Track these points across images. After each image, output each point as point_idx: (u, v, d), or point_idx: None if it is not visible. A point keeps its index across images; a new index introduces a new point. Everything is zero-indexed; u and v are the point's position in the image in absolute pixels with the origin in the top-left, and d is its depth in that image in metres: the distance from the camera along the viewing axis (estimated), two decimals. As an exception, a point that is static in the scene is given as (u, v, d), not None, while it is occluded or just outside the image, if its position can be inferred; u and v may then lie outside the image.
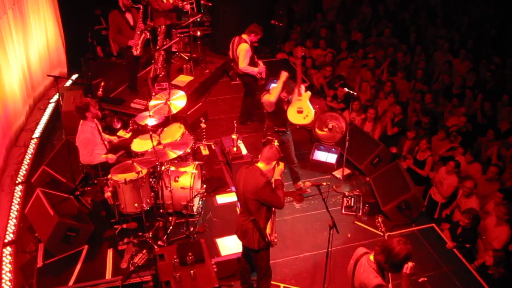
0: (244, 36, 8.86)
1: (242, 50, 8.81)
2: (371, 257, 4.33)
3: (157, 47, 10.06)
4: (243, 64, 8.86)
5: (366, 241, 7.18)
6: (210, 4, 11.71)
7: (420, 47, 11.91)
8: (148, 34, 9.47)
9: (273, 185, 5.57)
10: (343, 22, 13.40)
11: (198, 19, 10.78)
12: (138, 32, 9.22)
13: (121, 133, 7.83)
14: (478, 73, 10.82)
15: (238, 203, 6.27)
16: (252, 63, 8.99)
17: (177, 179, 6.94)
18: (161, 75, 9.94)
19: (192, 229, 6.96)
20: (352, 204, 7.83)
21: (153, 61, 10.05)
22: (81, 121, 6.94)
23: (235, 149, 8.00)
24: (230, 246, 6.74)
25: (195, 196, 7.06)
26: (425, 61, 11.39)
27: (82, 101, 6.98)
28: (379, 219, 5.63)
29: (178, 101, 7.43)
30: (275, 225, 5.80)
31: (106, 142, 7.22)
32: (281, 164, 5.70)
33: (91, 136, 6.91)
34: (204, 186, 7.49)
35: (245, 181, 5.49)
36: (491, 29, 12.47)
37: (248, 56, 8.84)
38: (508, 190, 7.29)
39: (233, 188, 7.91)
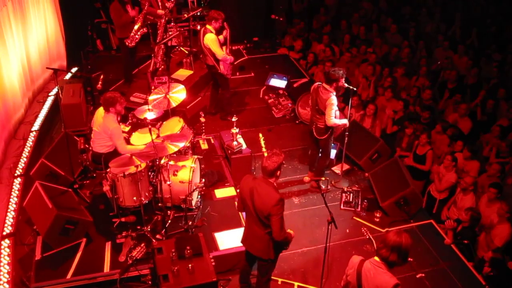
0: (208, 26, 8.79)
1: (211, 41, 8.71)
2: (377, 258, 4.32)
3: (157, 40, 10.04)
4: (221, 54, 8.77)
5: (365, 237, 7.19)
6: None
7: (422, 43, 11.89)
8: (146, 29, 9.50)
9: None
10: (345, 18, 13.38)
11: (198, 13, 10.77)
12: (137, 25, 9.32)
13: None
14: (480, 70, 10.83)
15: (244, 213, 5.93)
16: None
17: (176, 173, 6.93)
18: (160, 69, 9.93)
19: (190, 223, 6.95)
20: (350, 200, 7.83)
21: (152, 55, 10.03)
22: (104, 112, 6.94)
23: (235, 143, 7.98)
24: (228, 240, 6.74)
25: (193, 190, 7.05)
26: (426, 57, 11.38)
27: (111, 94, 6.94)
28: (365, 229, 5.54)
29: (178, 94, 7.41)
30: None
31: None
32: None
33: (118, 125, 6.93)
34: (203, 180, 7.48)
35: (256, 196, 5.27)
36: (492, 26, 12.46)
37: (219, 44, 8.78)
38: (499, 185, 7.29)
39: (232, 183, 7.92)
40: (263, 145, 6.42)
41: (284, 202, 5.23)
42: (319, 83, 7.50)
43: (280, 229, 5.24)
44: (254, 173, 8.14)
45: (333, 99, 7.26)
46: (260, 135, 6.49)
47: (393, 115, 9.46)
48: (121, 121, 7.40)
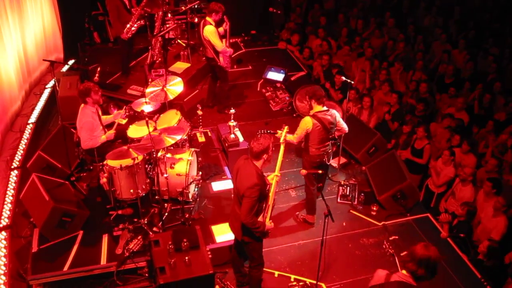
0: (208, 18, 8.75)
1: (210, 34, 8.67)
2: (404, 272, 4.15)
3: (154, 33, 10.02)
4: (221, 46, 8.75)
5: (361, 230, 7.22)
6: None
7: (421, 37, 11.86)
8: (143, 22, 9.47)
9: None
10: (343, 11, 13.32)
11: (196, 6, 10.74)
12: (134, 18, 9.29)
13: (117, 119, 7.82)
14: (476, 64, 10.81)
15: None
16: None
17: (173, 165, 6.93)
18: (158, 62, 9.91)
19: (187, 215, 6.95)
20: (347, 193, 7.85)
21: (150, 48, 10.01)
22: (82, 105, 6.91)
23: (232, 136, 7.97)
24: (225, 233, 6.74)
25: (190, 183, 7.05)
26: (424, 51, 11.34)
27: (84, 85, 6.93)
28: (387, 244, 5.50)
29: (175, 87, 7.40)
30: (267, 216, 5.55)
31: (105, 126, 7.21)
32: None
33: (92, 119, 6.89)
34: (200, 173, 7.48)
35: (239, 175, 5.39)
36: (495, 23, 12.41)
37: (218, 36, 8.76)
38: (497, 179, 7.30)
39: (229, 175, 7.93)
40: (282, 136, 6.25)
41: (261, 188, 5.22)
42: (324, 109, 6.83)
43: (248, 212, 5.21)
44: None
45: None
46: (286, 127, 6.33)
47: (389, 115, 9.42)
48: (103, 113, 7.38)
